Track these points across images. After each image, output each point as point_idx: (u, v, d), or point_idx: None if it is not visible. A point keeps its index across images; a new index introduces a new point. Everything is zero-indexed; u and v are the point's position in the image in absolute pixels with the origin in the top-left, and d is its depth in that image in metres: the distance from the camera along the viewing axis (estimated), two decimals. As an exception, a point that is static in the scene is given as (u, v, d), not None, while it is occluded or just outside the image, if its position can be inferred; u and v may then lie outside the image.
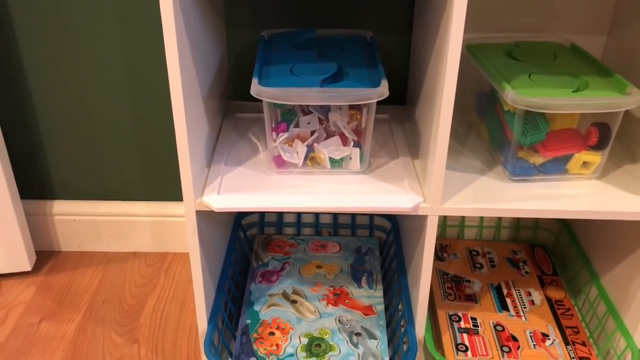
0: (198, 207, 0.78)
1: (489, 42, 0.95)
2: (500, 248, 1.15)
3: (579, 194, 0.81)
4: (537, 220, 1.16)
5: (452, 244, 1.16)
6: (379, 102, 1.00)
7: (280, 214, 1.17)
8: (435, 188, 0.77)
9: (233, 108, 1.01)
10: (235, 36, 1.02)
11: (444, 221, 1.17)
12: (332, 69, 0.80)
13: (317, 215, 1.17)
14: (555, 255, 1.15)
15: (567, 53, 0.91)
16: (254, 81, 0.76)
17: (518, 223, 1.17)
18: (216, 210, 0.77)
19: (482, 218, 1.17)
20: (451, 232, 1.18)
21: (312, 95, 0.75)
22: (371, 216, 1.16)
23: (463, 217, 1.16)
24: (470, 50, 0.92)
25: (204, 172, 0.84)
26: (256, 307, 0.98)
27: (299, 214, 1.17)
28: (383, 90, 0.76)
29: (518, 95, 0.76)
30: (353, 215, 1.17)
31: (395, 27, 1.02)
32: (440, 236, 1.18)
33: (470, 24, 0.97)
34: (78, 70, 1.06)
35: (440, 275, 1.08)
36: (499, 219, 1.17)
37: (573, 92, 0.78)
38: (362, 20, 1.01)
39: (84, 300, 1.12)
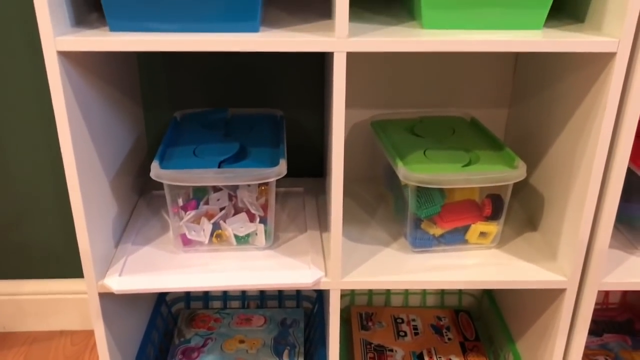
0: (100, 289, 0.78)
1: (396, 117, 1.00)
2: (425, 315, 1.17)
3: (476, 263, 0.84)
4: (460, 285, 1.19)
5: (378, 312, 1.17)
6: (296, 175, 1.04)
7: (207, 288, 1.17)
8: (334, 262, 0.79)
9: (151, 185, 1.03)
10: (154, 116, 1.05)
11: (370, 290, 1.18)
12: (233, 150, 0.83)
13: (243, 287, 1.17)
14: (479, 320, 1.16)
15: (466, 127, 0.96)
16: (154, 164, 0.78)
17: (442, 289, 1.19)
18: (116, 292, 0.77)
19: (406, 285, 1.18)
20: (378, 299, 1.19)
21: (208, 177, 0.77)
22: (298, 287, 1.17)
23: (388, 285, 1.18)
24: (373, 127, 0.96)
25: (111, 252, 0.84)
26: (173, 387, 0.97)
27: (225, 287, 1.17)
28: (280, 169, 0.79)
29: (409, 172, 0.79)
30: (280, 287, 1.17)
31: (311, 104, 1.06)
32: (367, 304, 1.19)
33: (378, 100, 1.04)
34: (-1, 150, 1.07)
35: (363, 345, 1.08)
36: (424, 285, 1.18)
37: (463, 166, 0.83)
38: (278, 99, 1.05)
39: (1, 385, 1.08)
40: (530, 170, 0.93)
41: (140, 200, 0.98)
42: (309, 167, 1.09)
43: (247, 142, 0.87)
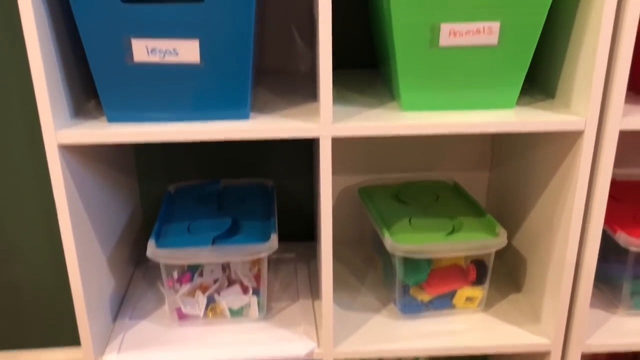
0: (99, 367, 0.80)
1: (382, 183, 1.04)
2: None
3: (464, 329, 0.86)
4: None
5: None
6: (288, 239, 1.07)
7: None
8: (326, 333, 0.81)
9: (146, 256, 1.05)
10: (148, 188, 1.08)
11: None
12: (226, 225, 0.86)
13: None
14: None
15: (449, 193, 1.00)
16: (151, 243, 0.82)
17: (434, 346, 1.21)
18: (114, 371, 0.79)
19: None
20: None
21: (203, 255, 0.80)
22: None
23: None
24: (360, 194, 1.00)
25: (109, 327, 0.86)
26: None
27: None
28: (272, 244, 0.82)
29: (396, 243, 0.83)
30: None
31: (301, 172, 1.10)
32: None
33: (365, 166, 1.08)
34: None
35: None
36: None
37: (447, 234, 0.86)
38: (269, 166, 1.09)
39: None
40: (512, 232, 0.97)
41: (137, 272, 1.01)
42: (300, 230, 1.12)
43: (240, 215, 0.90)
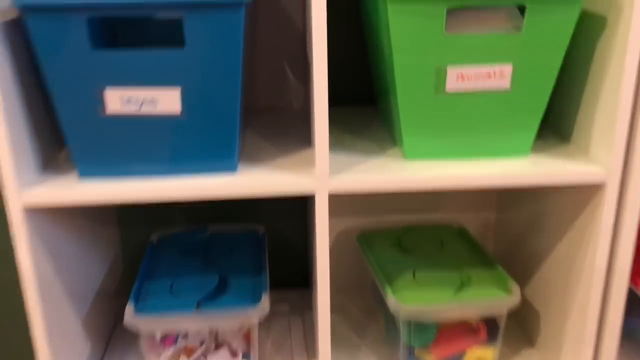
0: None
1: (382, 227, 0.96)
2: None
3: (475, 394, 0.79)
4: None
5: None
6: (281, 288, 1.00)
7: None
8: (324, 405, 0.73)
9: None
10: (130, 235, 1.00)
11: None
12: (212, 284, 0.78)
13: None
14: None
15: (454, 239, 0.93)
16: (129, 309, 0.73)
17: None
18: None
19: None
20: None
21: (187, 321, 0.73)
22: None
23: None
24: (359, 242, 0.92)
25: (84, 398, 0.78)
26: None
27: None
28: (263, 307, 0.74)
29: (399, 304, 0.75)
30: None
31: (293, 214, 1.03)
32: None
33: (363, 207, 1.00)
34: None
35: None
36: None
37: (456, 290, 0.79)
38: (259, 211, 1.02)
39: None
40: (524, 282, 0.90)
41: (117, 327, 0.92)
42: (293, 276, 1.05)
43: (228, 270, 0.83)
